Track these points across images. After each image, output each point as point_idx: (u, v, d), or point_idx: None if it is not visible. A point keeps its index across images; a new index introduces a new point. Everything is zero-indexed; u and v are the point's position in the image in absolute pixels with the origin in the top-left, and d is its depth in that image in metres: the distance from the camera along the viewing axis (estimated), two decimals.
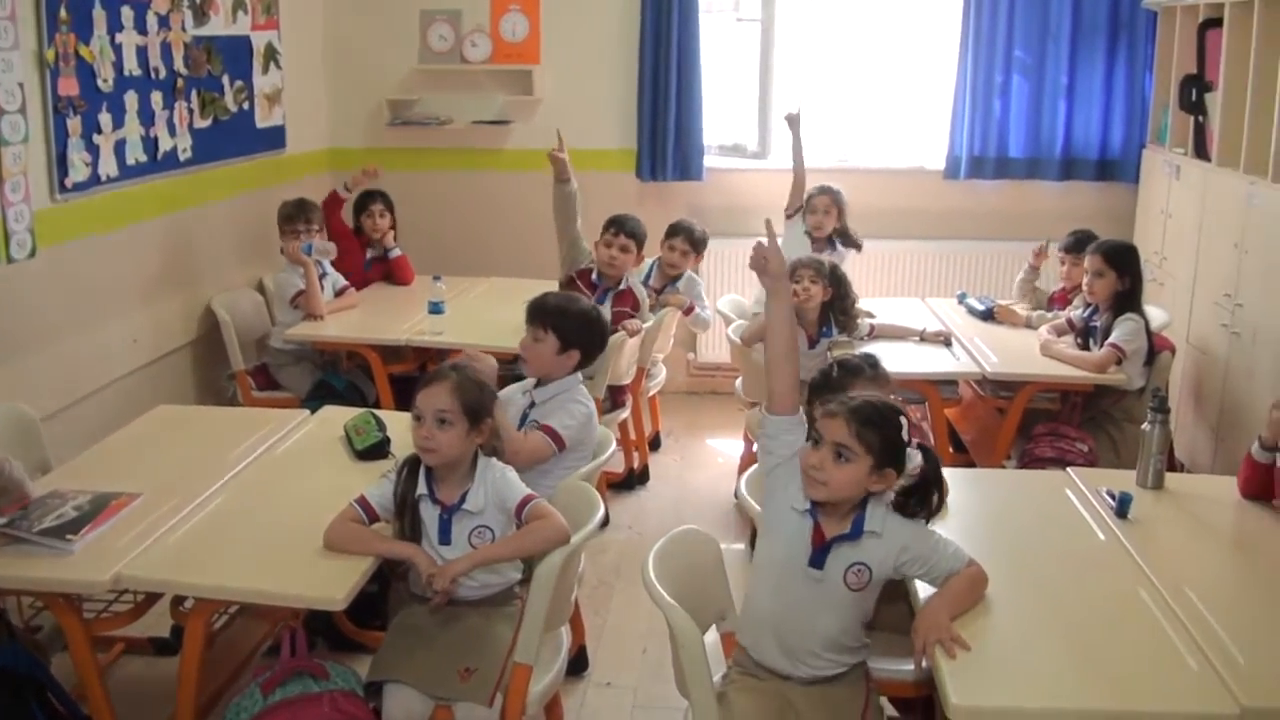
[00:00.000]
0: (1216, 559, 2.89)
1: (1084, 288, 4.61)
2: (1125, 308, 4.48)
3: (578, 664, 3.64)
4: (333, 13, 6.35)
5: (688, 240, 5.37)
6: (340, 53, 6.39)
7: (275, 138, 5.75)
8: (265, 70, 5.58)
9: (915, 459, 2.54)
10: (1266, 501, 3.10)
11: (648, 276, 5.39)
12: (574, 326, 3.54)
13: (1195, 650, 2.37)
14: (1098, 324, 4.56)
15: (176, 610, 3.03)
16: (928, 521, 2.61)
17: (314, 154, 6.21)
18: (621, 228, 4.95)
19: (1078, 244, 5.02)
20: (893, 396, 3.05)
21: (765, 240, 2.68)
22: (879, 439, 2.47)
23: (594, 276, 4.96)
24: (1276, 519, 3.03)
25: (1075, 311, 4.81)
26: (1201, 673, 2.30)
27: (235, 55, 5.28)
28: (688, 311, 5.36)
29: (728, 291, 5.86)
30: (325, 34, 6.35)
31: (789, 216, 5.57)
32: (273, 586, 2.64)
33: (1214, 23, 5.23)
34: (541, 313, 3.55)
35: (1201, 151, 5.40)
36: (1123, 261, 4.50)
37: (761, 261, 2.64)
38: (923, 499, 2.58)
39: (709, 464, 5.62)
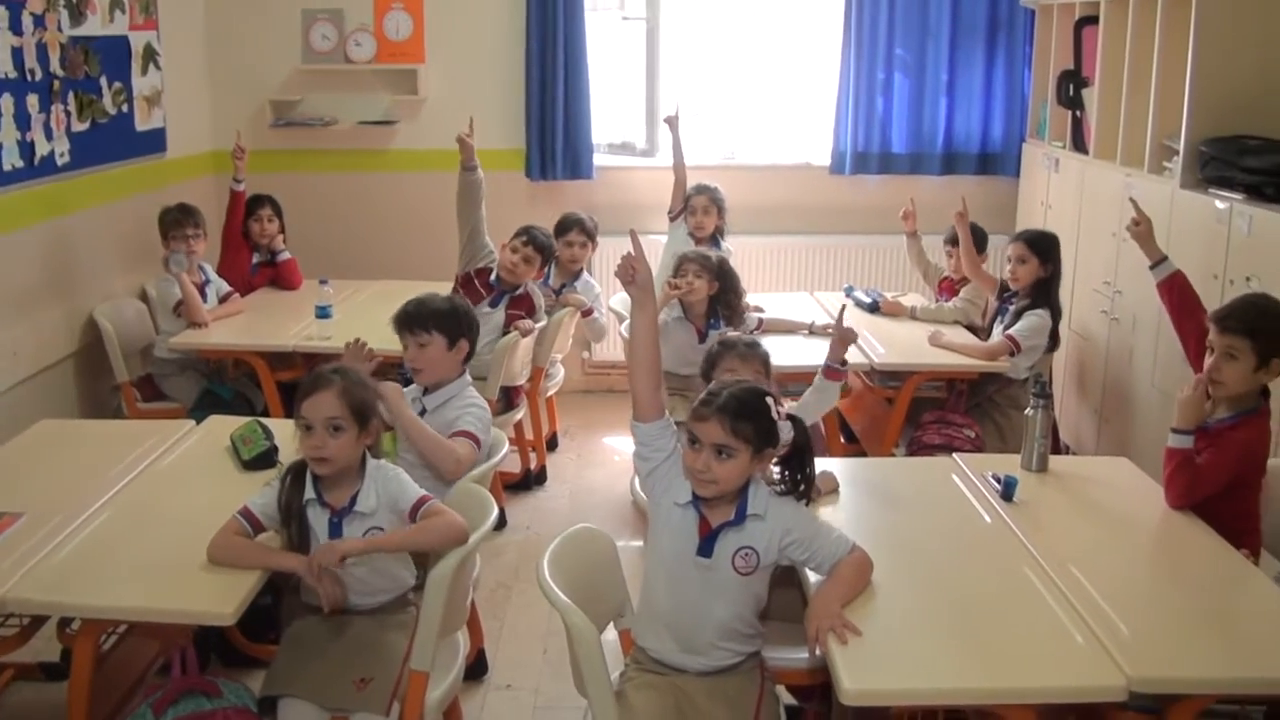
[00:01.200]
0: (1100, 536, 2.96)
1: (1007, 275, 4.73)
2: (1043, 295, 4.62)
3: (477, 668, 3.62)
4: (213, 12, 6.22)
5: (581, 231, 5.38)
6: (221, 53, 6.25)
7: (155, 141, 5.61)
8: (144, 71, 5.44)
9: (786, 431, 2.59)
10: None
11: (548, 277, 5.37)
12: (450, 318, 3.51)
13: (1081, 625, 2.44)
14: (1010, 307, 4.71)
15: (63, 633, 2.95)
16: (807, 496, 2.66)
17: (196, 157, 6.08)
18: (532, 239, 4.91)
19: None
20: (757, 375, 3.13)
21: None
22: (753, 428, 2.52)
23: (492, 278, 4.92)
24: (1157, 496, 3.12)
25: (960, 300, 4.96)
26: (1088, 647, 2.36)
27: (113, 56, 5.14)
28: (587, 313, 5.36)
29: (620, 290, 5.85)
30: (206, 34, 6.22)
31: (673, 219, 5.58)
32: (160, 604, 2.59)
33: (1090, 20, 5.40)
34: (416, 318, 3.50)
35: (1079, 145, 5.56)
36: (1045, 249, 4.66)
37: (629, 272, 2.64)
38: (800, 465, 2.64)
39: (606, 462, 5.63)
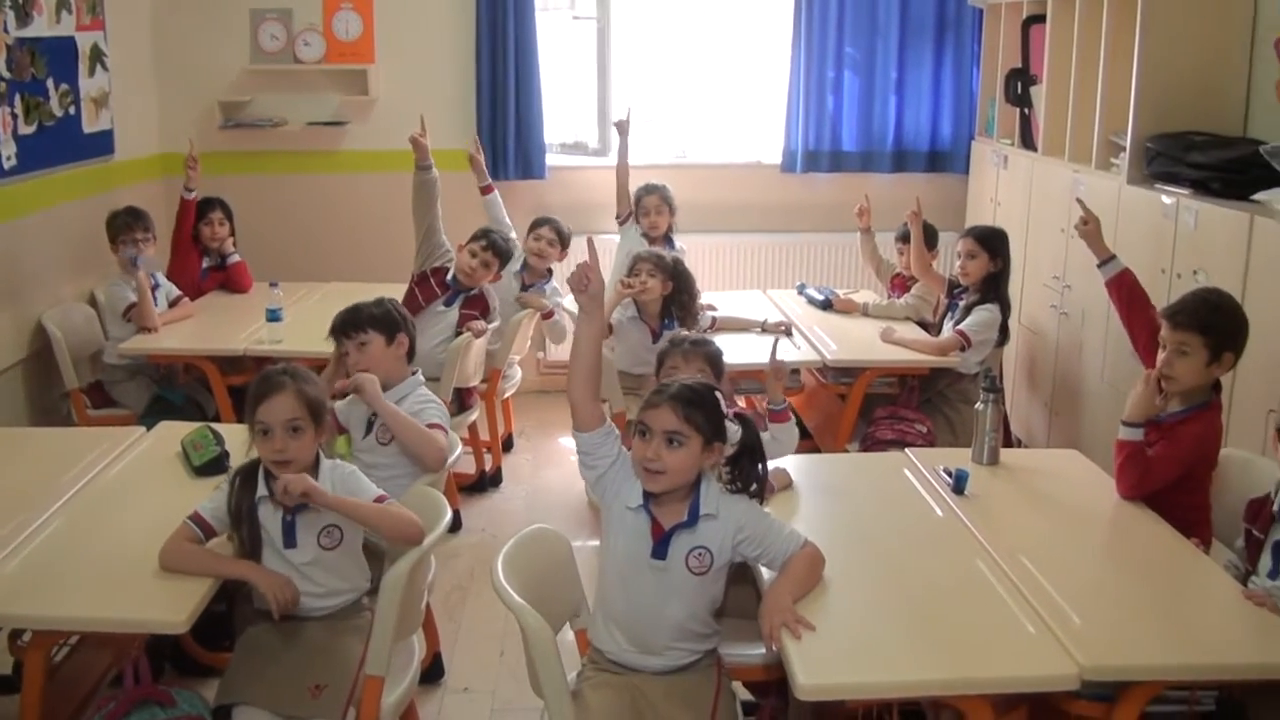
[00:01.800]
0: (1051, 528, 3.00)
1: (957, 269, 4.77)
2: (992, 290, 4.66)
3: (433, 672, 3.61)
4: (160, 12, 6.14)
5: (552, 229, 5.35)
6: (169, 53, 6.18)
7: (103, 143, 5.53)
8: (92, 73, 5.36)
9: (734, 430, 2.61)
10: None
11: (521, 269, 5.34)
12: (383, 317, 3.55)
13: (1033, 616, 2.46)
14: (961, 302, 4.74)
15: (14, 644, 2.90)
16: (760, 495, 2.68)
17: (145, 159, 6.00)
18: (491, 244, 4.90)
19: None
20: (701, 372, 3.14)
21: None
22: (704, 417, 2.55)
23: (448, 277, 4.90)
24: (1108, 488, 3.16)
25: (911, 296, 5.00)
26: (1040, 637, 2.39)
27: (60, 57, 5.05)
28: (547, 316, 5.33)
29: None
30: (153, 34, 6.14)
31: (621, 223, 5.57)
32: (112, 613, 2.56)
33: (1037, 19, 5.46)
34: (351, 322, 3.55)
35: (1028, 142, 5.62)
36: (994, 244, 4.71)
37: (583, 281, 2.64)
38: (751, 462, 2.67)
39: (562, 462, 5.61)
